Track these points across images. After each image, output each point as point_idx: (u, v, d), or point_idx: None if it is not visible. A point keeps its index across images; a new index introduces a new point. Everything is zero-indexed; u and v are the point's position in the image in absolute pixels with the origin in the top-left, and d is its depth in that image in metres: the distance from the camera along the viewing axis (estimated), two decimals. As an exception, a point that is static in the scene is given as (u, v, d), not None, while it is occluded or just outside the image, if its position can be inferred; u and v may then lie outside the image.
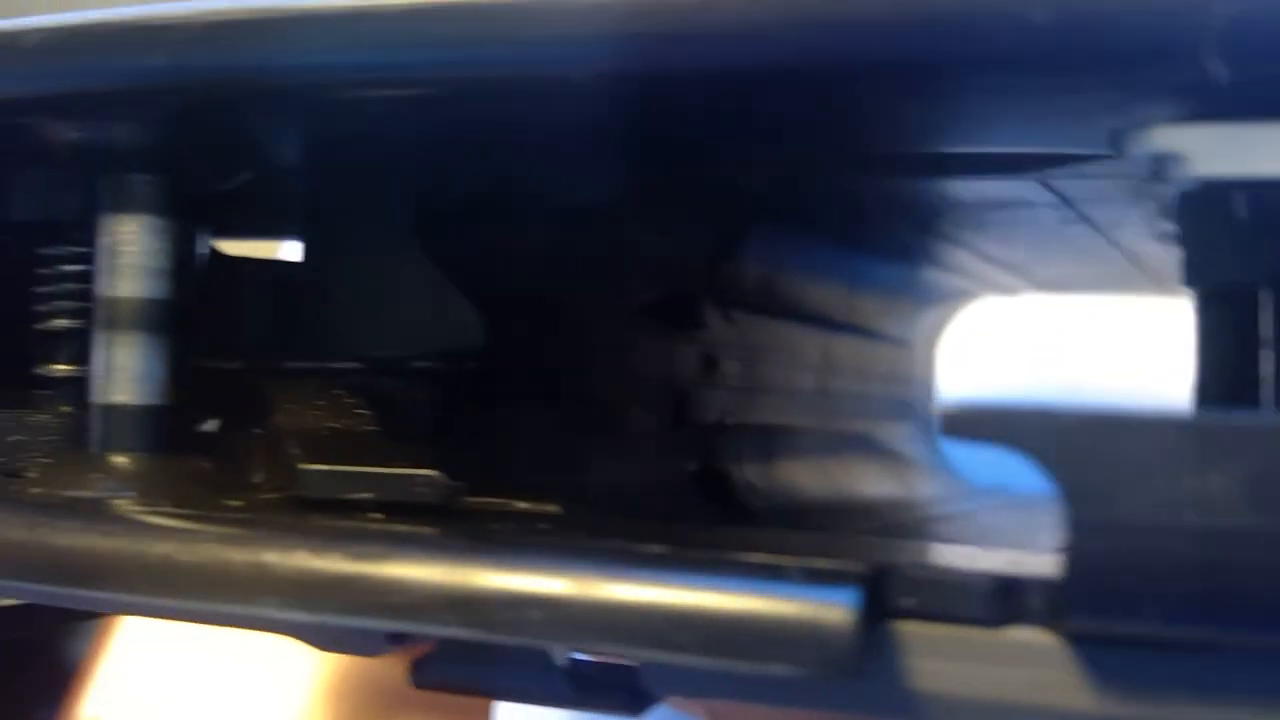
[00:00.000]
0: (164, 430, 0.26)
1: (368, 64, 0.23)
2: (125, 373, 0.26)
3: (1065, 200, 0.33)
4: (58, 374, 0.29)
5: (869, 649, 0.19)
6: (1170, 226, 0.35)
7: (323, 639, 0.24)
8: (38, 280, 0.29)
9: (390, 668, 0.50)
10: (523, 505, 0.29)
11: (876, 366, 0.48)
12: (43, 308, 0.29)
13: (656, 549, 0.22)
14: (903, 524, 0.37)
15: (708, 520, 0.34)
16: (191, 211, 0.27)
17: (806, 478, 0.41)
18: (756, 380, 0.40)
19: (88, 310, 0.29)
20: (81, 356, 0.29)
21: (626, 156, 0.30)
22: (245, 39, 0.23)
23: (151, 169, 0.26)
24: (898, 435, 0.49)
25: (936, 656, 0.20)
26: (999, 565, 0.21)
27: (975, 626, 0.20)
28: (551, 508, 0.30)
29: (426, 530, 0.23)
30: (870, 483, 0.45)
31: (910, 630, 0.20)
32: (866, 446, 0.46)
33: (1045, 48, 0.19)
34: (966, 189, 0.32)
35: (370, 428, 0.27)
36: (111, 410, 0.26)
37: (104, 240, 0.26)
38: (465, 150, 0.29)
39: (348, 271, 0.30)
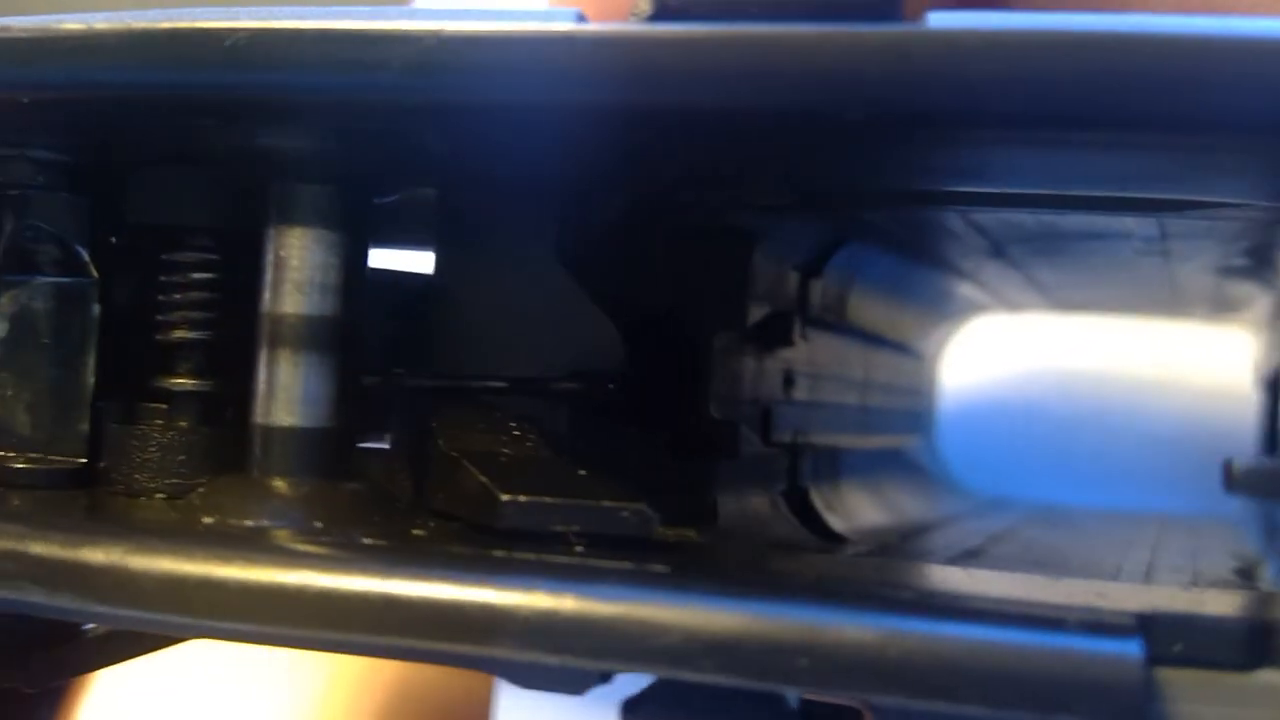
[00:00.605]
0: (329, 453, 0.25)
1: (547, 87, 0.22)
2: (289, 393, 0.25)
3: (1164, 235, 0.34)
4: (178, 388, 0.27)
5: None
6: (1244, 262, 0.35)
7: (532, 677, 0.23)
8: (153, 288, 0.28)
9: (386, 681, 0.48)
10: (663, 532, 0.28)
11: (899, 380, 0.49)
12: (163, 317, 0.27)
13: (908, 593, 0.21)
14: (974, 549, 0.37)
15: (815, 545, 0.34)
16: (358, 224, 0.25)
17: (864, 497, 0.41)
18: (819, 397, 0.40)
19: (213, 321, 0.27)
20: (203, 370, 0.27)
21: (758, 182, 0.30)
22: (466, 56, 0.22)
23: (324, 179, 0.24)
24: (914, 448, 0.50)
25: (1196, 701, 0.20)
26: (1239, 608, 0.21)
27: (1231, 670, 0.21)
28: (690, 533, 0.29)
29: (658, 568, 0.22)
30: (910, 501, 0.45)
31: (1173, 676, 0.20)
32: (898, 462, 0.47)
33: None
34: (1077, 220, 0.33)
35: (544, 453, 0.26)
36: (273, 432, 0.25)
37: (270, 253, 0.25)
38: (608, 172, 0.28)
39: (487, 287, 0.28)
